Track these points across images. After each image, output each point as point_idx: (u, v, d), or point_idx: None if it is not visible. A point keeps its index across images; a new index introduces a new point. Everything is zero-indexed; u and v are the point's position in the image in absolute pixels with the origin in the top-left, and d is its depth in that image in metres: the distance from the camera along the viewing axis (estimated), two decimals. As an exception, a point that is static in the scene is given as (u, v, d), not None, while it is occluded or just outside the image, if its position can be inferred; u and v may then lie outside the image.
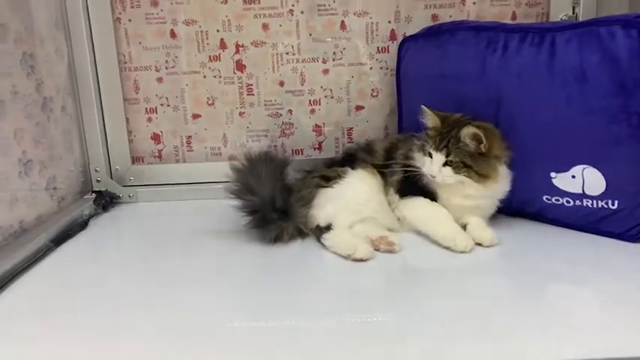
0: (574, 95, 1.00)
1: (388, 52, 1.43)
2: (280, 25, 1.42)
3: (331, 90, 1.47)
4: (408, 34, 1.36)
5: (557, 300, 0.84)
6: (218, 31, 1.42)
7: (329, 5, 1.41)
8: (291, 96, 1.47)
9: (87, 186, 1.43)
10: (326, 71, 1.45)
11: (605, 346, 0.70)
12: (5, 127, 1.08)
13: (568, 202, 1.06)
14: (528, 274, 0.92)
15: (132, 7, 1.40)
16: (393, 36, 1.43)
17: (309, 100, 1.47)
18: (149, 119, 1.48)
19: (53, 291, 0.94)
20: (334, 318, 0.79)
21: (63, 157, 1.31)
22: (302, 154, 1.51)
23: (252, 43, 1.43)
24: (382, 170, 1.13)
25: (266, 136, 1.49)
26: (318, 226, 1.07)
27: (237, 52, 1.44)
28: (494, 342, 0.73)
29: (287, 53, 1.44)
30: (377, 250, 1.01)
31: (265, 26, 1.42)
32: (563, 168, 1.05)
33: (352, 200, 1.09)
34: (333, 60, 1.44)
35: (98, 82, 1.40)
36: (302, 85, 1.46)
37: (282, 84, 1.46)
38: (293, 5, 1.41)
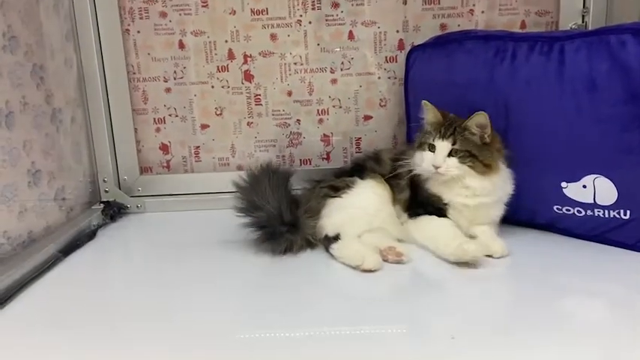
0: (584, 104, 1.00)
1: (396, 61, 1.43)
2: (288, 36, 1.43)
3: (339, 100, 1.46)
4: (416, 44, 1.35)
5: (569, 312, 0.83)
6: (226, 41, 1.43)
7: (337, 15, 1.41)
8: (299, 106, 1.47)
9: (95, 196, 1.44)
10: (334, 81, 1.45)
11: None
12: (15, 138, 1.08)
13: (579, 212, 1.05)
14: (539, 285, 0.91)
15: (140, 18, 1.41)
16: (401, 45, 1.43)
17: (317, 110, 1.47)
18: (157, 129, 1.48)
19: (61, 301, 0.93)
20: (343, 328, 0.78)
21: (72, 167, 1.32)
22: (310, 164, 1.50)
23: (260, 54, 1.44)
24: (390, 181, 1.12)
25: (274, 146, 1.49)
26: (326, 236, 1.06)
27: (246, 62, 1.44)
28: (505, 354, 0.71)
29: (295, 63, 1.44)
30: (385, 260, 1.00)
31: (273, 36, 1.43)
32: (574, 177, 1.04)
33: (361, 210, 1.08)
34: (341, 70, 1.45)
35: (107, 93, 1.41)
36: (310, 95, 1.46)
37: (290, 94, 1.46)
38: (301, 15, 1.41)
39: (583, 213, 1.04)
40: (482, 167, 1.02)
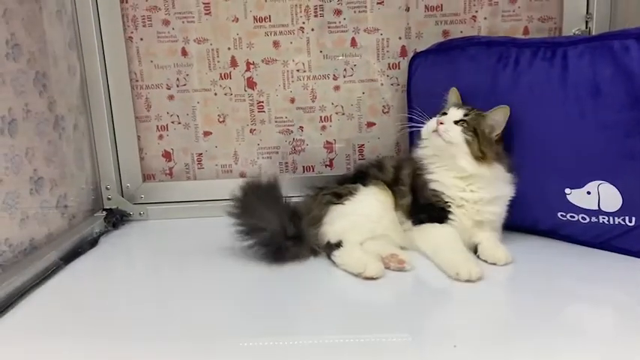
0: (587, 109, 0.99)
1: (399, 68, 1.43)
2: (291, 43, 1.43)
3: (342, 107, 1.46)
4: (418, 50, 1.35)
5: (573, 320, 0.82)
6: (229, 48, 1.43)
7: (339, 22, 1.41)
8: (302, 113, 1.47)
9: (98, 204, 1.44)
10: (337, 88, 1.45)
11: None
12: (17, 146, 1.08)
13: (583, 218, 1.04)
14: (543, 292, 0.90)
15: (144, 26, 1.42)
16: (403, 52, 1.43)
17: (320, 117, 1.47)
18: (160, 137, 1.49)
19: (62, 308, 0.93)
20: (344, 336, 0.77)
21: (74, 174, 1.32)
22: (313, 170, 1.50)
23: (262, 61, 1.44)
24: (393, 188, 1.12)
25: (277, 152, 1.49)
26: (328, 243, 1.05)
27: (248, 69, 1.44)
28: (508, 363, 0.70)
29: (298, 70, 1.44)
30: (387, 268, 0.99)
31: (276, 44, 1.43)
32: (578, 184, 1.03)
33: (363, 217, 1.08)
34: (344, 77, 1.44)
35: (110, 100, 1.42)
36: (313, 101, 1.46)
37: (292, 101, 1.46)
38: (304, 23, 1.41)
39: (587, 220, 1.04)
40: (477, 150, 1.03)
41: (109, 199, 1.44)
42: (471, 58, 1.16)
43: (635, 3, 1.24)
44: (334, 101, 1.46)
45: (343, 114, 1.47)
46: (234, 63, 1.44)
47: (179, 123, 1.48)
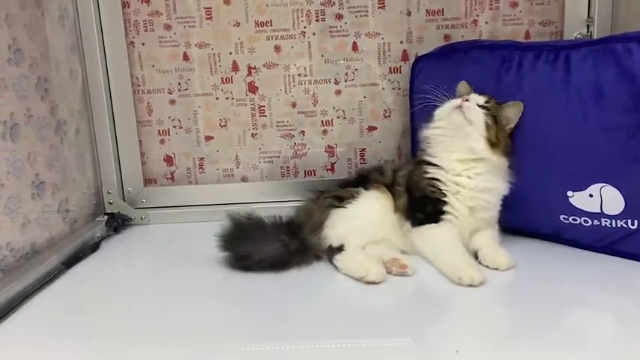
0: (590, 112, 0.99)
1: (400, 72, 1.43)
2: (292, 47, 1.43)
3: (344, 111, 1.46)
4: (420, 54, 1.35)
5: (576, 325, 0.81)
6: (230, 53, 1.43)
7: (341, 27, 1.42)
8: (304, 117, 1.47)
9: (99, 208, 1.43)
10: (338, 92, 1.45)
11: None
12: (19, 150, 1.08)
13: (586, 221, 1.04)
14: (544, 297, 0.89)
15: (145, 30, 1.42)
16: (405, 56, 1.43)
17: (322, 121, 1.47)
18: (162, 141, 1.49)
19: (64, 313, 0.93)
20: (346, 341, 0.77)
21: (76, 179, 1.32)
22: (314, 175, 1.50)
23: (264, 65, 1.44)
24: (391, 190, 1.12)
25: (278, 157, 1.49)
26: (330, 247, 1.05)
27: (250, 74, 1.44)
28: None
29: (299, 75, 1.44)
30: (389, 272, 0.99)
31: (277, 48, 1.43)
32: (580, 186, 1.02)
33: (365, 221, 1.07)
34: (345, 81, 1.44)
35: (112, 105, 1.42)
36: (314, 106, 1.46)
37: (294, 105, 1.46)
38: (305, 27, 1.42)
39: (590, 223, 1.03)
40: (494, 135, 1.04)
41: (110, 203, 1.44)
42: (474, 62, 1.17)
43: (636, 7, 1.24)
44: (335, 105, 1.46)
45: (345, 118, 1.47)
46: (235, 67, 1.44)
47: (181, 127, 1.48)
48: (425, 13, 1.40)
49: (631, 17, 1.26)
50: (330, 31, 1.42)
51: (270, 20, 1.41)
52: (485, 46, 1.17)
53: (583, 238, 1.06)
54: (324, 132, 1.48)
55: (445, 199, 1.04)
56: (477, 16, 1.40)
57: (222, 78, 1.45)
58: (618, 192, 0.99)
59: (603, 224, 1.02)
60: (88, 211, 1.38)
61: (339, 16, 1.41)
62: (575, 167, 1.02)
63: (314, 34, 1.42)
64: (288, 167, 1.50)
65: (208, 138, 1.48)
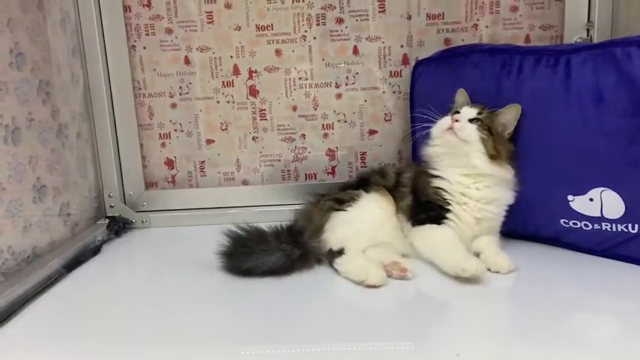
0: (590, 116, 0.99)
1: (401, 76, 1.43)
2: (293, 51, 1.43)
3: (344, 114, 1.47)
4: (420, 58, 1.35)
5: (576, 328, 0.81)
6: (231, 57, 1.44)
7: (341, 31, 1.42)
8: (304, 121, 1.47)
9: (100, 211, 1.44)
10: (339, 96, 1.45)
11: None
12: (20, 154, 1.09)
13: (586, 225, 1.04)
14: (545, 301, 0.89)
15: (147, 34, 1.43)
16: (405, 60, 1.43)
17: (323, 125, 1.47)
18: (163, 145, 1.49)
19: (65, 316, 0.93)
20: (346, 345, 0.77)
21: (77, 182, 1.32)
22: (315, 178, 1.50)
23: (265, 69, 1.44)
24: (394, 193, 1.12)
25: (279, 160, 1.49)
26: (330, 250, 1.05)
27: (251, 77, 1.45)
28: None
29: (300, 78, 1.45)
30: (389, 276, 0.99)
31: (278, 52, 1.43)
32: (581, 191, 1.03)
33: (366, 225, 1.07)
34: (346, 84, 1.45)
35: (113, 109, 1.42)
36: (315, 109, 1.46)
37: (295, 109, 1.46)
38: (306, 31, 1.42)
39: (590, 227, 1.03)
40: (492, 148, 1.03)
41: (111, 206, 1.44)
42: (474, 66, 1.17)
43: (636, 11, 1.24)
44: (336, 109, 1.46)
45: (345, 122, 1.47)
46: (236, 71, 1.45)
47: (182, 131, 1.48)
48: (425, 17, 1.41)
49: (631, 21, 1.26)
50: (331, 35, 1.42)
51: (271, 24, 1.42)
52: (485, 50, 1.18)
53: (583, 242, 1.06)
54: (325, 135, 1.48)
55: (449, 207, 1.05)
56: (478, 20, 1.40)
57: (223, 82, 1.45)
58: (618, 196, 0.99)
59: (603, 228, 1.02)
60: (89, 214, 1.39)
61: (340, 20, 1.41)
62: (576, 171, 1.02)
63: (315, 38, 1.42)
64: (288, 171, 1.50)
65: (209, 141, 1.49)
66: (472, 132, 1.04)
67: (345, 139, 1.48)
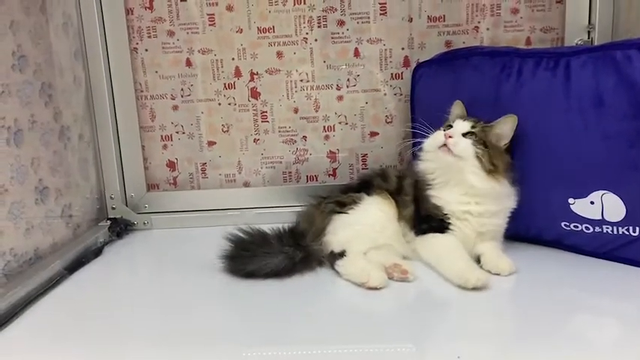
0: (590, 119, 0.99)
1: (402, 78, 1.44)
2: (294, 53, 1.43)
3: (345, 116, 1.47)
4: (421, 61, 1.36)
5: (578, 331, 0.82)
6: (233, 59, 1.44)
7: (342, 33, 1.42)
8: (306, 122, 1.47)
9: (102, 213, 1.44)
10: (340, 98, 1.46)
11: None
12: (23, 156, 1.09)
13: (587, 228, 1.04)
14: (546, 303, 0.89)
15: (149, 37, 1.43)
16: (406, 62, 1.43)
17: (324, 127, 1.48)
18: (164, 147, 1.49)
19: (67, 318, 0.93)
20: (347, 347, 0.77)
21: (79, 184, 1.32)
22: (316, 180, 1.50)
23: (266, 71, 1.45)
24: (396, 198, 1.12)
25: (280, 162, 1.49)
26: (332, 252, 1.05)
27: (252, 79, 1.45)
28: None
29: (301, 80, 1.45)
30: (390, 278, 0.99)
31: (279, 54, 1.44)
32: (582, 194, 1.03)
33: (367, 227, 1.08)
34: (347, 87, 1.45)
35: (115, 111, 1.42)
36: (316, 111, 1.47)
37: (296, 111, 1.47)
38: (307, 33, 1.42)
39: (591, 229, 1.03)
40: (489, 163, 1.02)
41: (113, 208, 1.45)
42: (474, 68, 1.17)
43: (637, 13, 1.25)
44: (337, 111, 1.47)
45: (346, 124, 1.47)
46: (238, 73, 1.45)
47: (183, 133, 1.48)
48: (426, 20, 1.41)
49: (632, 23, 1.26)
50: (332, 37, 1.43)
51: (273, 26, 1.42)
52: (485, 52, 1.18)
53: (584, 245, 1.06)
54: (326, 137, 1.48)
55: (450, 220, 1.05)
56: (479, 22, 1.40)
57: (224, 84, 1.46)
58: (619, 199, 0.99)
59: (604, 231, 1.02)
60: (91, 216, 1.39)
61: (341, 23, 1.42)
62: (576, 174, 1.02)
63: (316, 40, 1.43)
64: (290, 172, 1.50)
65: (211, 143, 1.49)
66: (467, 147, 1.02)
67: (346, 141, 1.48)
